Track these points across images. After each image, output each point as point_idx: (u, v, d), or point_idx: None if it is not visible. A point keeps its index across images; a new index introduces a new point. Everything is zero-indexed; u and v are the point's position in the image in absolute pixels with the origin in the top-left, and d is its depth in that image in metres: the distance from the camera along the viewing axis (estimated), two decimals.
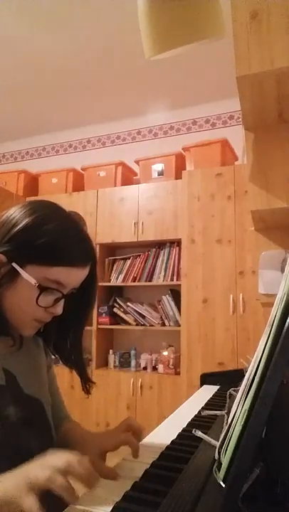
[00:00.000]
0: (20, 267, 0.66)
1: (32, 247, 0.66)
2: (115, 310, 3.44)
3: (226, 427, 0.54)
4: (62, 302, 0.71)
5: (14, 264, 0.66)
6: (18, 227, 0.67)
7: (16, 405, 0.70)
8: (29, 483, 0.48)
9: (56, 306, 0.70)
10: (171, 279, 3.19)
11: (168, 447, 0.72)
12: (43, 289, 0.67)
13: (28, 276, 0.66)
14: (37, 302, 0.67)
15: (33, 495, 0.47)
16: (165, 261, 3.26)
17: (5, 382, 0.70)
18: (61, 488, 0.48)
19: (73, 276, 0.70)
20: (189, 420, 0.90)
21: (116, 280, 3.42)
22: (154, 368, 3.23)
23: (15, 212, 0.70)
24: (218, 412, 0.92)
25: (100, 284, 3.32)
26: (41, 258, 0.67)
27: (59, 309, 0.71)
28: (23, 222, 0.67)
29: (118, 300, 3.45)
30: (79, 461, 0.51)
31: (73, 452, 0.54)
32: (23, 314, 0.69)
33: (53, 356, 0.84)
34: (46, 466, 0.50)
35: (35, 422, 0.73)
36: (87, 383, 0.81)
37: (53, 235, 0.67)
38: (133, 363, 3.30)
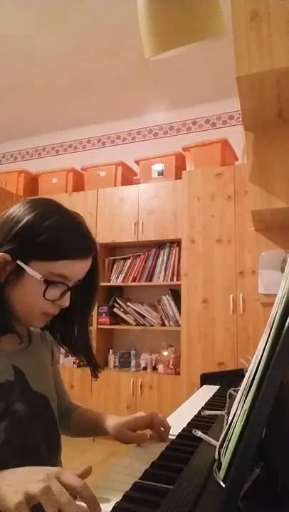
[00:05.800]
0: (25, 263, 0.68)
1: (35, 244, 0.68)
2: (115, 310, 3.44)
3: (226, 427, 0.54)
4: (68, 294, 0.72)
5: (19, 262, 0.68)
6: (19, 226, 0.69)
7: (24, 401, 0.72)
8: (25, 492, 0.46)
9: (63, 298, 0.72)
10: (171, 279, 3.19)
11: (168, 447, 0.72)
12: (49, 283, 0.69)
13: (33, 272, 0.68)
14: (44, 296, 0.69)
15: (25, 501, 0.45)
16: (165, 261, 3.26)
17: (14, 378, 0.72)
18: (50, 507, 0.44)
19: (77, 269, 0.72)
20: (189, 420, 0.90)
21: (116, 280, 3.42)
22: (154, 368, 3.23)
23: (15, 211, 0.71)
24: (218, 412, 0.92)
25: (100, 284, 3.32)
26: (44, 254, 0.69)
27: (66, 301, 0.72)
28: (24, 220, 0.69)
29: (118, 300, 3.45)
30: (85, 486, 0.49)
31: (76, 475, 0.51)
32: (32, 309, 0.71)
33: (61, 349, 0.86)
34: (44, 482, 0.47)
35: (41, 418, 0.75)
36: (96, 368, 0.84)
37: (54, 230, 0.69)
38: (133, 363, 3.30)
